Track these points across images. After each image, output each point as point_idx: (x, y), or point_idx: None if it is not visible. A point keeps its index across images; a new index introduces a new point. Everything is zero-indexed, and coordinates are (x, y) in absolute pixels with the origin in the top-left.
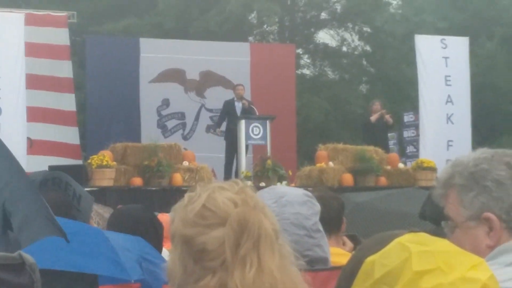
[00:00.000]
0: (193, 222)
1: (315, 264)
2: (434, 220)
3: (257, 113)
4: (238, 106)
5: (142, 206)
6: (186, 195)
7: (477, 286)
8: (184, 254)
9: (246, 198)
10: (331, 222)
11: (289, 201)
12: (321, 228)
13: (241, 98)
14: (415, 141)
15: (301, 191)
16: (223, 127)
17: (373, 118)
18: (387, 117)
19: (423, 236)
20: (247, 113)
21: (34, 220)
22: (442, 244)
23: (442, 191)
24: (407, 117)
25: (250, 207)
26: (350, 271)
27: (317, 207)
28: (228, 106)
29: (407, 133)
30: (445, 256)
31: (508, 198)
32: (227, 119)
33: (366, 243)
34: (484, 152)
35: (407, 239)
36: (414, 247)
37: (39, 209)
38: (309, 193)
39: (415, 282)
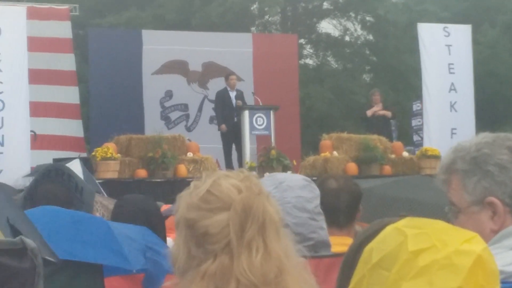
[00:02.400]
0: (197, 206)
1: (319, 249)
2: None
3: (261, 103)
4: (233, 95)
5: (145, 196)
6: (192, 183)
7: (472, 257)
8: (188, 238)
9: (250, 185)
10: (343, 216)
11: (289, 186)
12: (320, 210)
13: (233, 87)
14: (421, 130)
15: (300, 176)
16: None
17: (369, 112)
18: (384, 112)
19: (418, 220)
20: (241, 100)
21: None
22: (437, 224)
23: (445, 177)
24: (415, 106)
25: (254, 193)
26: (350, 258)
27: (317, 190)
28: (223, 97)
29: (415, 122)
30: (439, 233)
31: (511, 182)
32: (224, 110)
33: (363, 231)
34: (485, 136)
35: (402, 224)
36: (409, 231)
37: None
38: (308, 178)
39: (412, 262)
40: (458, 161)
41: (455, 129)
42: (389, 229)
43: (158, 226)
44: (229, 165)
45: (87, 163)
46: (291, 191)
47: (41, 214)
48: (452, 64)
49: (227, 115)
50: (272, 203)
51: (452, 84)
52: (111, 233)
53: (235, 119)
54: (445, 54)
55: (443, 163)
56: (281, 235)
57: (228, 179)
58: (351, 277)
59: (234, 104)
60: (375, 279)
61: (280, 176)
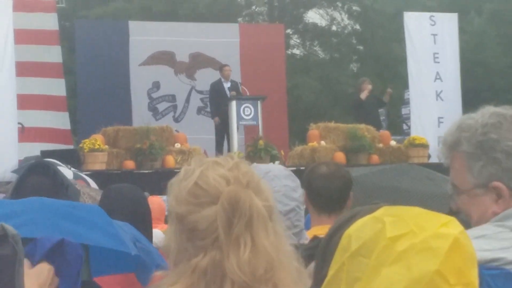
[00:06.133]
0: (185, 200)
1: (300, 236)
2: None
3: (248, 94)
4: (227, 86)
5: (132, 185)
6: (183, 169)
7: (449, 240)
8: (178, 232)
9: (238, 175)
10: (333, 201)
11: (275, 175)
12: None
13: (228, 78)
14: (409, 119)
15: (280, 166)
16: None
17: (363, 95)
18: (387, 96)
19: (396, 208)
20: (236, 91)
21: None
22: (414, 210)
23: (447, 153)
24: (406, 95)
25: (242, 185)
26: (321, 249)
27: (298, 181)
28: (217, 88)
29: (405, 110)
30: (416, 219)
31: None
32: (218, 101)
33: (339, 218)
34: (492, 115)
35: (381, 212)
36: (387, 218)
37: None
38: (288, 169)
39: (390, 248)
40: (463, 141)
41: (442, 117)
42: (367, 218)
43: (144, 216)
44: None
45: (74, 155)
46: (278, 180)
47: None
48: (437, 53)
49: (221, 106)
50: (262, 190)
51: (438, 73)
52: (107, 218)
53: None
54: (431, 43)
55: (447, 140)
56: (269, 227)
57: (217, 169)
58: (325, 263)
59: (228, 95)
60: (355, 266)
61: (263, 166)
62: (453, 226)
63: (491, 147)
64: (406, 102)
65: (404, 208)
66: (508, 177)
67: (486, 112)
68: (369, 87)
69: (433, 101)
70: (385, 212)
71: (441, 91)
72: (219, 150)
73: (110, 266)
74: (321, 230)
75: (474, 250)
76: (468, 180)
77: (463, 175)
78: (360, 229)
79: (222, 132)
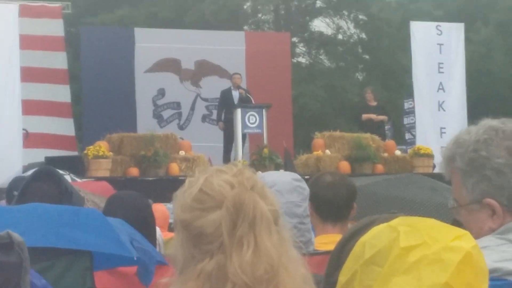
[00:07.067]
0: (190, 207)
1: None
2: None
3: (253, 102)
4: (235, 95)
5: (136, 192)
6: (187, 180)
7: (460, 254)
8: (184, 239)
9: (243, 180)
10: (338, 210)
11: (279, 191)
12: (308, 212)
13: (238, 86)
14: (413, 128)
15: (289, 176)
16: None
17: (365, 117)
18: (382, 118)
19: (411, 219)
20: (244, 102)
21: None
22: (428, 222)
23: (446, 167)
24: (407, 104)
25: (246, 188)
26: (335, 254)
27: (306, 191)
28: (226, 96)
29: (407, 120)
30: (430, 230)
31: (508, 185)
32: (224, 109)
33: (353, 226)
34: (486, 130)
35: (396, 222)
36: (402, 228)
37: None
38: (298, 177)
39: (403, 258)
40: (457, 158)
41: (444, 128)
42: (382, 226)
43: (148, 223)
44: (226, 163)
45: (78, 162)
46: (281, 196)
47: (39, 206)
48: (442, 63)
49: (228, 113)
50: (267, 196)
51: (441, 83)
52: (107, 223)
53: None
54: (436, 53)
55: (445, 155)
56: (272, 230)
57: (221, 175)
58: (337, 268)
59: (235, 104)
60: (367, 274)
61: (269, 179)
62: (466, 240)
63: (482, 165)
64: (407, 112)
65: (420, 219)
66: (500, 194)
67: (482, 127)
68: (372, 97)
69: (435, 111)
70: (400, 222)
71: (443, 102)
72: (226, 157)
73: (109, 261)
74: (325, 239)
75: (486, 266)
76: (464, 196)
77: (460, 191)
78: (374, 237)
79: (231, 141)
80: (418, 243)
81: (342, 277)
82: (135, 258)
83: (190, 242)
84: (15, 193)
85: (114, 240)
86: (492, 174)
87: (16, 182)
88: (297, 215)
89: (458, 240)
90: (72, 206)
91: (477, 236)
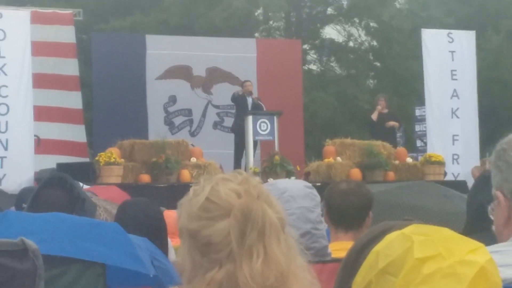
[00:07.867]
0: (197, 216)
1: (319, 256)
2: None
3: (265, 109)
4: (250, 101)
5: (148, 200)
6: (191, 189)
7: (475, 268)
8: (192, 248)
9: (249, 188)
10: (350, 218)
11: (291, 196)
12: (322, 218)
13: (250, 93)
14: (424, 135)
15: (301, 183)
16: (230, 122)
17: (374, 116)
18: (393, 124)
19: (425, 227)
20: (256, 109)
21: None
22: (443, 232)
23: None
24: (419, 111)
25: (253, 197)
26: (351, 259)
27: (318, 197)
28: (240, 99)
29: (419, 127)
30: (445, 242)
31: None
32: (236, 115)
33: (366, 233)
34: None
35: (410, 230)
36: (416, 237)
37: None
38: (309, 184)
39: (417, 269)
40: (493, 153)
41: (456, 135)
42: (395, 234)
43: (160, 230)
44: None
45: (90, 169)
46: (294, 202)
47: (56, 217)
48: (455, 70)
49: (239, 120)
50: (273, 204)
51: (455, 90)
52: (127, 237)
53: None
54: (448, 60)
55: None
56: (281, 238)
57: (227, 184)
58: (351, 276)
59: (249, 109)
60: (382, 284)
61: (281, 185)
62: (481, 253)
63: (499, 157)
64: (418, 119)
65: (433, 228)
66: (506, 186)
67: None
68: (378, 107)
69: (449, 119)
70: (414, 230)
71: (457, 109)
72: (237, 164)
73: (127, 279)
74: (336, 246)
75: (500, 280)
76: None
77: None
78: (388, 247)
79: (242, 147)
80: (432, 255)
81: (356, 287)
82: (151, 276)
83: (197, 251)
84: (24, 205)
85: (131, 256)
86: (503, 166)
87: (24, 193)
88: (311, 221)
89: (473, 253)
90: (91, 219)
91: (496, 228)
